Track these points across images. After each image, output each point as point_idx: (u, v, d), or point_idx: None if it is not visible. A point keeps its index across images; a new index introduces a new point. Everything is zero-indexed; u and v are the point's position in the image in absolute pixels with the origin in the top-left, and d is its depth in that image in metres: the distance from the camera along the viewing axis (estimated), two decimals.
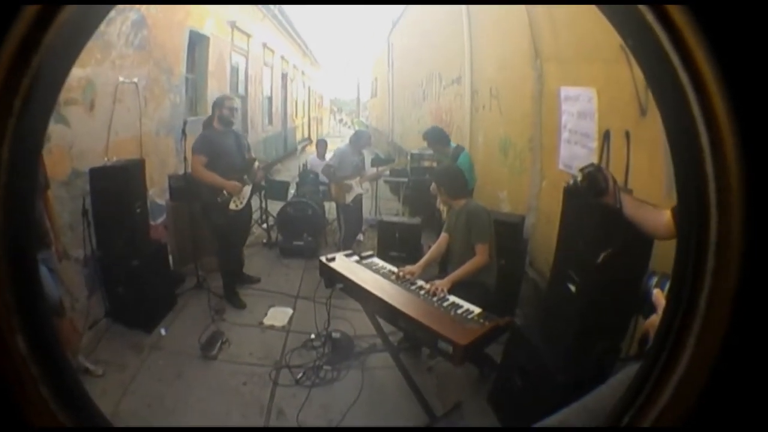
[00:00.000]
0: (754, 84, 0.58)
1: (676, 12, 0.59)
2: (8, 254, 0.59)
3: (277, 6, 10.16)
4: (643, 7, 0.62)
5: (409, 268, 3.46)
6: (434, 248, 3.75)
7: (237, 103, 4.85)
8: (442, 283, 3.21)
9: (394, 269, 3.51)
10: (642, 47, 0.68)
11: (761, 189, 0.58)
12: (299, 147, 4.89)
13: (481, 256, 3.40)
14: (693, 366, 0.59)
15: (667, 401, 0.60)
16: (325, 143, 7.83)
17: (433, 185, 3.86)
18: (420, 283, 3.32)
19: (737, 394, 0.59)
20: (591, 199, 2.08)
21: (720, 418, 0.59)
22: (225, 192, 4.48)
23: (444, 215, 3.96)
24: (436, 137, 5.22)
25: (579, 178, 2.04)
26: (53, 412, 0.63)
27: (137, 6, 4.80)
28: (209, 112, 5.17)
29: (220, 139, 4.47)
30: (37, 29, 0.56)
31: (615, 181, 1.98)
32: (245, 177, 4.61)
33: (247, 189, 4.66)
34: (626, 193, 2.02)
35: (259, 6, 9.46)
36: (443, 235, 3.73)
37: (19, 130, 0.58)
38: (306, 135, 15.47)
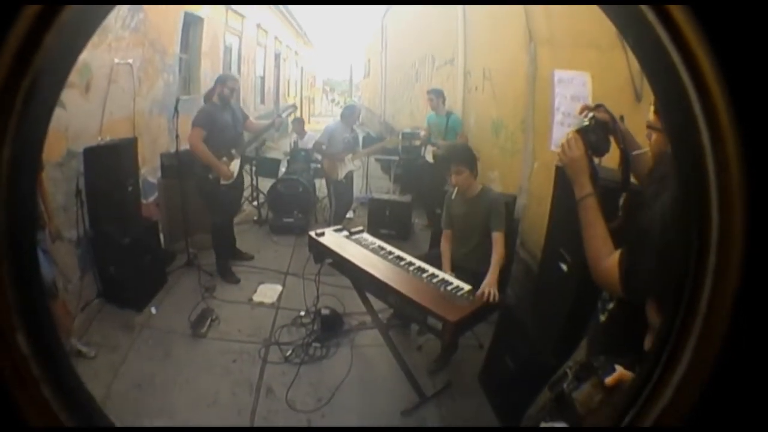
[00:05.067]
0: (756, 83, 0.58)
1: (677, 12, 0.59)
2: (10, 254, 0.59)
3: None
4: (644, 7, 0.61)
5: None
6: (445, 246, 3.56)
7: (239, 84, 5.01)
8: (493, 288, 2.93)
9: (384, 245, 3.47)
10: (643, 47, 0.67)
11: (763, 187, 0.58)
12: (284, 115, 4.98)
13: (501, 246, 3.24)
14: (694, 366, 0.60)
15: (668, 401, 0.60)
16: (302, 121, 7.88)
17: (452, 166, 3.41)
18: (409, 259, 3.27)
19: (739, 394, 0.59)
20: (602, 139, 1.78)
21: (722, 418, 0.59)
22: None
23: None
24: (440, 94, 5.94)
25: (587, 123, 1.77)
26: (54, 413, 0.63)
27: None
28: (202, 91, 5.15)
29: (219, 114, 4.52)
30: (38, 29, 0.55)
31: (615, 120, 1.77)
32: (233, 151, 4.64)
33: (236, 163, 4.70)
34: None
35: None
36: (446, 233, 3.58)
37: (21, 130, 0.57)
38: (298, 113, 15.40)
